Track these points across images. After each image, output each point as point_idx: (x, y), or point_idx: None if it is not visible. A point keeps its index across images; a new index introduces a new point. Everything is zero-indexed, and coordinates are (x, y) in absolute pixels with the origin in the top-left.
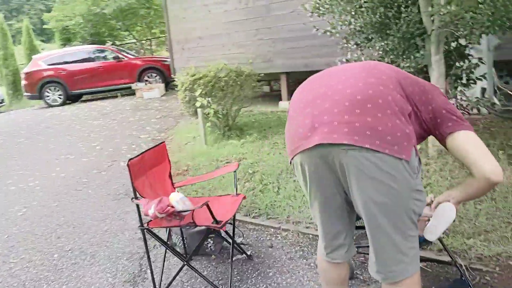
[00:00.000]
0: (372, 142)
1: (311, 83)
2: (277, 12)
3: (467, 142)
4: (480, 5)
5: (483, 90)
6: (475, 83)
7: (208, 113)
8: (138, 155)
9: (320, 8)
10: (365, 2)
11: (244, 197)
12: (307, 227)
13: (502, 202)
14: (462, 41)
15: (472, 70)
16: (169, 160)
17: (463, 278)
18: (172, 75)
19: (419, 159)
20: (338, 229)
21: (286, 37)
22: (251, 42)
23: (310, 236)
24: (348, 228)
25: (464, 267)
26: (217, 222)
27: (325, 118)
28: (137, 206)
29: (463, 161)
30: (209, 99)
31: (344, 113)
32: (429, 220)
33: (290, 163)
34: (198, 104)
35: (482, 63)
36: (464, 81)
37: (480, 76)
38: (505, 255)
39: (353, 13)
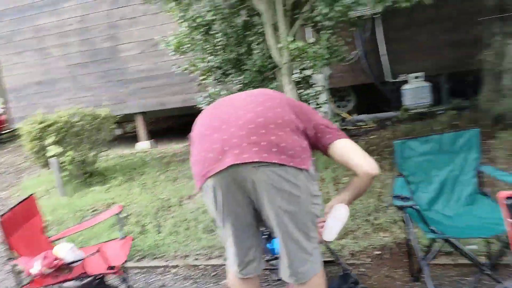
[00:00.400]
0: (279, 157)
1: (213, 111)
2: (125, 53)
3: (347, 148)
4: (318, 42)
5: (324, 114)
6: (320, 107)
7: (63, 162)
8: (8, 211)
9: (181, 47)
10: (219, 41)
11: (132, 239)
12: (196, 259)
13: (359, 204)
14: (308, 72)
15: (318, 96)
16: (40, 214)
17: (346, 272)
18: (7, 126)
19: (315, 168)
20: (249, 244)
21: (138, 77)
22: (100, 84)
23: (201, 267)
24: (257, 242)
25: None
26: (112, 267)
27: (234, 141)
28: (14, 266)
29: (345, 164)
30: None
31: (251, 134)
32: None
33: (200, 188)
34: (50, 153)
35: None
36: (313, 106)
37: (324, 101)
38: (371, 247)
39: (210, 51)
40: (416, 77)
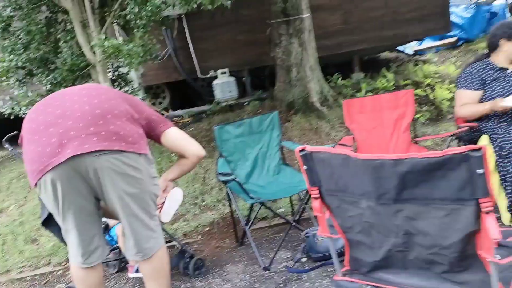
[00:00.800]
0: (119, 144)
1: (44, 107)
2: None
3: (178, 135)
4: (133, 40)
5: None
6: None
7: None
8: None
9: None
10: (19, 38)
11: None
12: (21, 272)
13: (186, 190)
14: (124, 70)
15: (136, 94)
16: None
17: (182, 249)
18: None
19: (151, 152)
20: (92, 233)
21: None
22: None
23: (28, 278)
24: (99, 230)
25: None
26: None
27: (72, 133)
28: None
29: (177, 150)
30: None
31: (89, 126)
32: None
33: (35, 185)
34: None
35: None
36: None
37: (142, 98)
38: (201, 226)
39: (10, 50)
40: (223, 73)
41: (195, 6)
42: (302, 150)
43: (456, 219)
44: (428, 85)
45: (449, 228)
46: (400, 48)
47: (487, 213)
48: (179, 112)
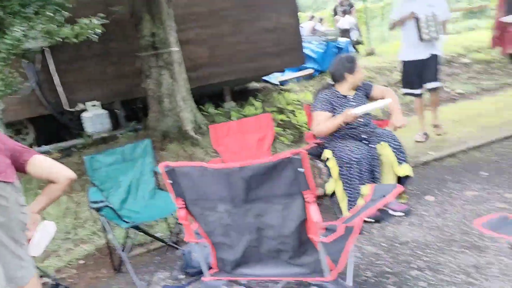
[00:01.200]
0: None
1: None
2: None
3: (45, 162)
4: None
5: None
6: None
7: None
8: None
9: None
10: None
11: None
12: None
13: (58, 225)
14: None
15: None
16: None
17: (56, 283)
18: None
19: (20, 182)
20: None
21: None
22: None
23: None
24: None
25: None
26: None
27: None
28: None
29: (45, 176)
30: None
31: None
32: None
33: None
34: None
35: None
36: None
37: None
38: (75, 259)
39: None
40: (93, 105)
41: (59, 39)
42: (166, 166)
43: (290, 211)
44: (290, 111)
45: (287, 219)
46: (266, 78)
47: (309, 202)
48: (46, 148)
